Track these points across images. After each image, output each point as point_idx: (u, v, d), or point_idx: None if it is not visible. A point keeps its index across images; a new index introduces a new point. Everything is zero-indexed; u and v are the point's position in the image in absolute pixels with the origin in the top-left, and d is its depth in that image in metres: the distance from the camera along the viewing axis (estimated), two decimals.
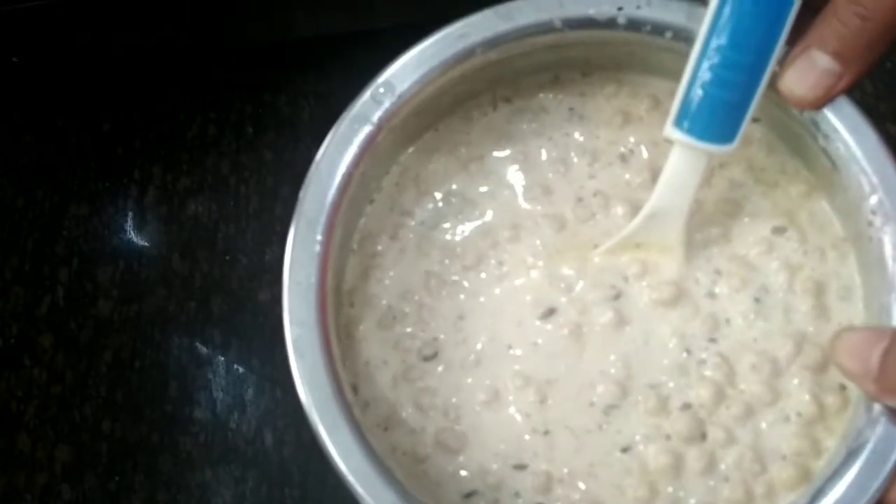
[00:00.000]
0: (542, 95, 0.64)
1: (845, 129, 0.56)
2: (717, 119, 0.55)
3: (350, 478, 0.54)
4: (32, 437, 0.76)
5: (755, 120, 0.60)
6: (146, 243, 0.81)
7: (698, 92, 0.55)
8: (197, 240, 0.81)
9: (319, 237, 0.57)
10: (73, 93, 0.85)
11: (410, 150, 0.64)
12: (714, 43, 0.54)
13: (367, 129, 0.58)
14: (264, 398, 0.76)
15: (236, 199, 0.81)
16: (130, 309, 0.79)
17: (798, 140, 0.59)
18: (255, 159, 0.82)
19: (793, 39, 0.54)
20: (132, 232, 0.81)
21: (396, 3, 0.79)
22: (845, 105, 0.56)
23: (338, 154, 0.58)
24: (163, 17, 0.78)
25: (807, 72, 0.55)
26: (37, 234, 0.82)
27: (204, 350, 0.77)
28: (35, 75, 0.84)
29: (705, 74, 0.54)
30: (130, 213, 0.82)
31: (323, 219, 0.57)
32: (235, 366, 0.77)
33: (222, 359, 0.77)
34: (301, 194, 0.58)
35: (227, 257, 0.80)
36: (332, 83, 0.84)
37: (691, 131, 0.55)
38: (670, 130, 0.56)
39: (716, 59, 0.54)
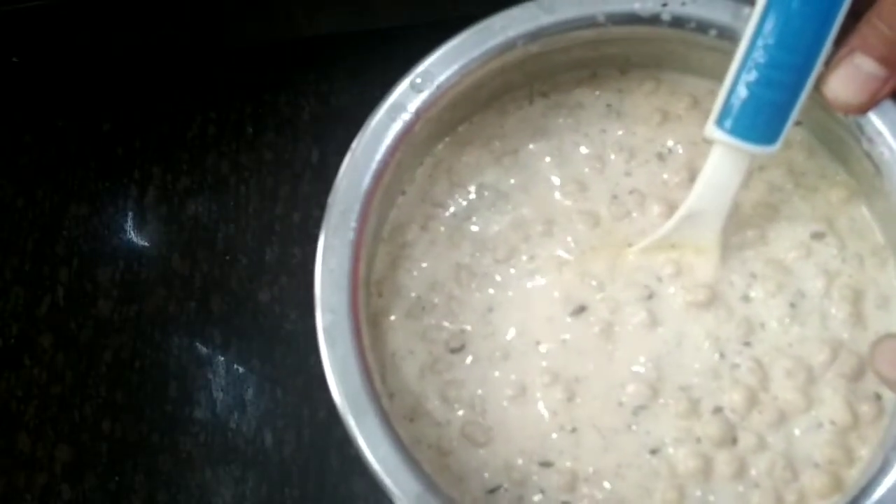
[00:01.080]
0: (579, 91, 0.64)
1: (890, 133, 0.55)
2: (761, 119, 0.55)
3: (377, 468, 0.53)
4: (32, 437, 0.75)
5: (797, 123, 0.59)
6: (146, 243, 0.80)
7: (743, 91, 0.54)
8: (197, 240, 0.80)
9: (354, 224, 0.56)
10: (73, 93, 0.85)
11: (445, 141, 0.63)
12: (761, 42, 0.53)
13: (404, 119, 0.57)
14: (264, 398, 0.75)
15: (236, 199, 0.81)
16: (130, 309, 0.78)
17: (840, 144, 0.59)
18: (255, 159, 0.82)
19: (836, 42, 0.54)
20: (132, 232, 0.81)
21: (396, 4, 0.79)
22: (891, 109, 0.55)
23: (374, 143, 0.57)
24: (163, 17, 0.78)
25: (852, 76, 0.54)
26: (37, 234, 0.81)
27: (204, 350, 0.77)
28: (35, 75, 0.84)
29: (751, 74, 0.54)
30: (130, 213, 0.82)
31: (358, 206, 0.56)
32: (235, 366, 0.76)
33: (222, 359, 0.76)
34: (336, 182, 0.57)
35: (227, 257, 0.79)
36: (332, 83, 0.84)
37: (734, 131, 0.55)
38: (711, 130, 0.55)
39: (762, 59, 0.53)
